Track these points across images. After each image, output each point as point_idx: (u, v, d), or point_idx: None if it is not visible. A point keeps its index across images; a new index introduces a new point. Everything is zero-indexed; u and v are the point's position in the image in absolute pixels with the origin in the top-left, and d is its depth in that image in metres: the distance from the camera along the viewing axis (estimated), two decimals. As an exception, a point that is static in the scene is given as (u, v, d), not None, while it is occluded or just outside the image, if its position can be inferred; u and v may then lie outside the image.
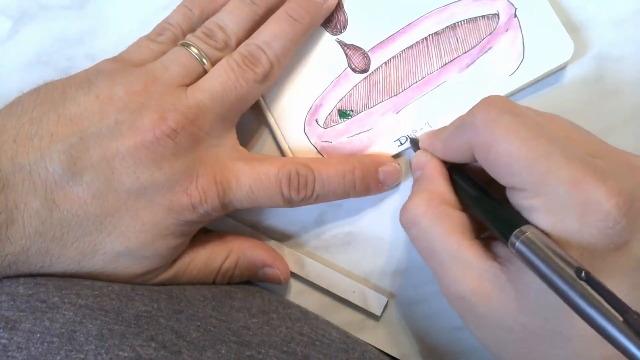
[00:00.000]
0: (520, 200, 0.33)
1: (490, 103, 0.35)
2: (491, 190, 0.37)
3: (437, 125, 0.43)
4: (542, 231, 0.32)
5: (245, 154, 0.41)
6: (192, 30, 0.41)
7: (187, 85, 0.39)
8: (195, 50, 0.39)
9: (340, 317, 0.46)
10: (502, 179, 0.34)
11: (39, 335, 0.31)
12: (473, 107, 0.35)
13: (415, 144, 0.42)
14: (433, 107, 0.44)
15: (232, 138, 0.41)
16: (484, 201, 0.37)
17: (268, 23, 0.41)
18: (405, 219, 0.38)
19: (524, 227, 0.32)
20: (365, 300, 0.45)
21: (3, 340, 0.30)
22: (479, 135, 0.34)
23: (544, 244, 0.30)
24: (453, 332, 0.45)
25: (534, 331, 0.33)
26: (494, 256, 0.35)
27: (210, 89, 0.38)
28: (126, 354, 0.31)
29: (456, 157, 0.38)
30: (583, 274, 0.28)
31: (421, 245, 0.38)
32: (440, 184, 0.38)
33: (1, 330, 0.31)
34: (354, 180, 0.42)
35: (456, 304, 0.36)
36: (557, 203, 0.31)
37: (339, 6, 0.44)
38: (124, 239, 0.37)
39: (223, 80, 0.39)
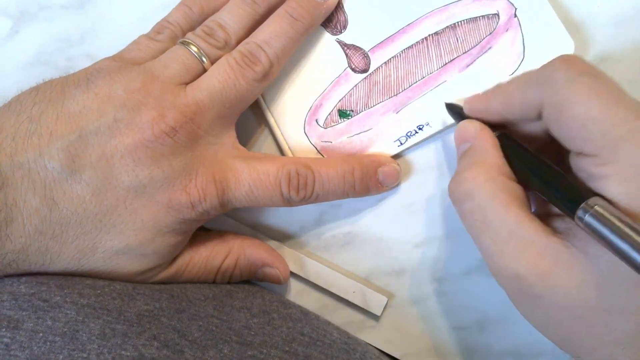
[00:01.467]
0: (589, 168, 0.32)
1: (571, 61, 0.34)
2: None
3: (437, 125, 0.43)
4: (611, 200, 0.31)
5: (245, 153, 0.41)
6: (192, 29, 0.41)
7: (187, 84, 0.39)
8: (195, 49, 0.39)
9: (340, 317, 0.46)
10: (573, 143, 0.33)
11: (41, 334, 0.31)
12: (551, 63, 0.34)
13: (455, 111, 0.41)
14: (433, 107, 0.44)
15: (231, 136, 0.41)
16: (543, 172, 0.35)
17: (268, 22, 0.41)
18: (460, 191, 0.37)
19: (591, 200, 0.30)
20: (365, 300, 0.45)
21: (6, 339, 0.30)
22: (555, 92, 0.33)
23: (616, 216, 0.29)
24: (453, 332, 0.45)
25: (598, 306, 0.32)
26: (554, 231, 0.34)
27: (209, 87, 0.38)
28: (129, 353, 0.31)
29: (517, 112, 0.37)
30: None
31: (474, 220, 0.36)
32: (495, 156, 0.37)
33: (4, 329, 0.31)
34: (353, 181, 0.42)
35: (509, 283, 0.35)
36: (632, 171, 0.30)
37: (339, 6, 0.44)
38: (124, 236, 0.37)
39: (222, 79, 0.39)
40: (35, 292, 0.33)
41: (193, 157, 0.38)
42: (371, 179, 0.42)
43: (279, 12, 0.41)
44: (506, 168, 0.36)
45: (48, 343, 0.31)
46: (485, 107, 0.38)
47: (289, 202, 0.41)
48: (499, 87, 0.38)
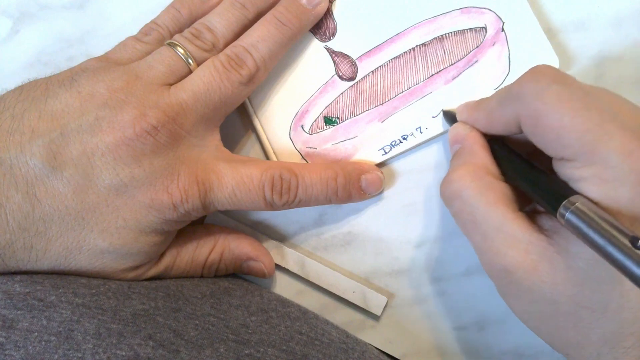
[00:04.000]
0: (569, 171, 0.33)
1: (538, 72, 0.35)
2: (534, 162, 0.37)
3: (422, 136, 0.44)
4: (592, 201, 0.31)
5: (229, 155, 0.41)
6: (180, 31, 0.42)
7: (172, 85, 0.39)
8: (182, 51, 0.39)
9: (340, 317, 0.46)
10: (551, 150, 0.34)
11: (36, 334, 0.31)
12: (521, 77, 0.35)
13: (450, 117, 0.42)
14: (418, 118, 0.44)
15: (215, 139, 0.41)
16: (528, 172, 0.36)
17: (256, 26, 0.41)
18: (449, 191, 0.38)
19: (572, 198, 0.31)
20: (365, 300, 0.45)
21: (0, 339, 0.30)
22: (527, 105, 0.34)
23: (596, 213, 0.30)
24: (453, 332, 0.45)
25: (581, 303, 0.33)
26: (540, 229, 0.35)
27: (193, 88, 0.38)
28: (124, 353, 0.31)
29: (500, 129, 0.38)
30: (639, 243, 0.28)
31: (464, 218, 0.37)
32: (482, 156, 0.38)
33: None
34: (336, 187, 0.42)
35: (499, 277, 0.36)
36: (609, 173, 0.31)
37: (328, 13, 0.44)
38: (107, 235, 0.37)
39: (207, 81, 0.39)
40: (30, 291, 0.33)
41: (175, 157, 0.38)
42: (354, 186, 0.43)
43: (267, 16, 0.41)
44: (493, 168, 0.38)
45: (43, 343, 0.31)
46: (472, 122, 0.40)
47: (271, 206, 0.41)
48: (481, 103, 0.40)
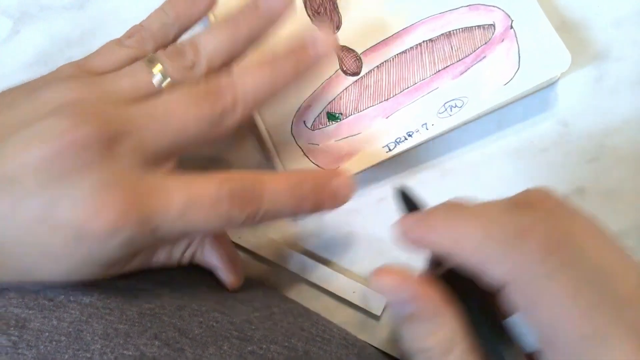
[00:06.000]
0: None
1: (548, 249, 0.27)
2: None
3: (427, 132, 0.43)
4: None
5: (178, 173, 0.35)
6: (165, 34, 0.39)
7: (134, 102, 0.35)
8: (157, 69, 0.36)
9: (340, 317, 0.46)
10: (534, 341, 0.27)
11: (47, 333, 0.31)
12: (522, 234, 0.27)
13: (408, 201, 0.35)
14: (424, 114, 0.43)
15: (163, 166, 0.35)
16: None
17: (251, 66, 0.37)
18: None
19: None
20: (365, 300, 0.45)
21: (13, 337, 0.31)
22: (527, 286, 0.27)
23: None
24: (453, 332, 0.45)
25: None
26: None
27: (150, 111, 0.34)
28: (130, 353, 0.31)
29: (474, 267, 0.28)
30: None
31: None
32: (454, 326, 0.29)
33: (12, 327, 0.31)
34: (305, 195, 0.36)
35: None
36: None
37: (333, 6, 0.44)
38: (53, 273, 0.32)
39: (171, 107, 0.34)
40: (40, 290, 0.33)
41: (110, 175, 0.32)
42: (324, 192, 0.37)
43: (267, 59, 0.37)
44: (469, 337, 0.29)
45: (54, 342, 0.31)
46: (429, 242, 0.30)
47: (231, 223, 0.34)
48: (447, 221, 0.30)
